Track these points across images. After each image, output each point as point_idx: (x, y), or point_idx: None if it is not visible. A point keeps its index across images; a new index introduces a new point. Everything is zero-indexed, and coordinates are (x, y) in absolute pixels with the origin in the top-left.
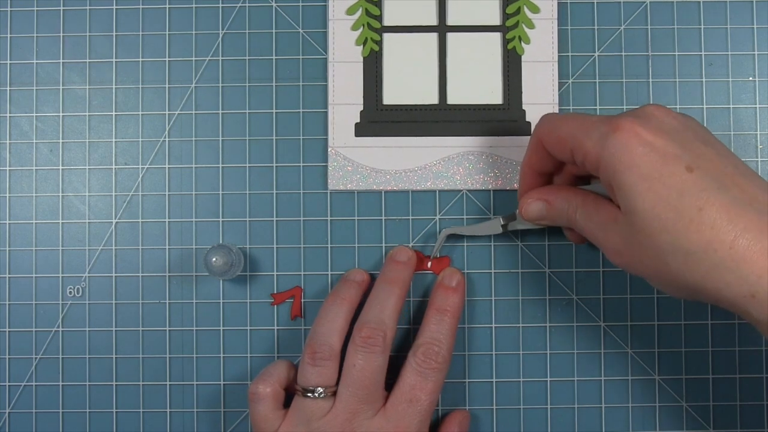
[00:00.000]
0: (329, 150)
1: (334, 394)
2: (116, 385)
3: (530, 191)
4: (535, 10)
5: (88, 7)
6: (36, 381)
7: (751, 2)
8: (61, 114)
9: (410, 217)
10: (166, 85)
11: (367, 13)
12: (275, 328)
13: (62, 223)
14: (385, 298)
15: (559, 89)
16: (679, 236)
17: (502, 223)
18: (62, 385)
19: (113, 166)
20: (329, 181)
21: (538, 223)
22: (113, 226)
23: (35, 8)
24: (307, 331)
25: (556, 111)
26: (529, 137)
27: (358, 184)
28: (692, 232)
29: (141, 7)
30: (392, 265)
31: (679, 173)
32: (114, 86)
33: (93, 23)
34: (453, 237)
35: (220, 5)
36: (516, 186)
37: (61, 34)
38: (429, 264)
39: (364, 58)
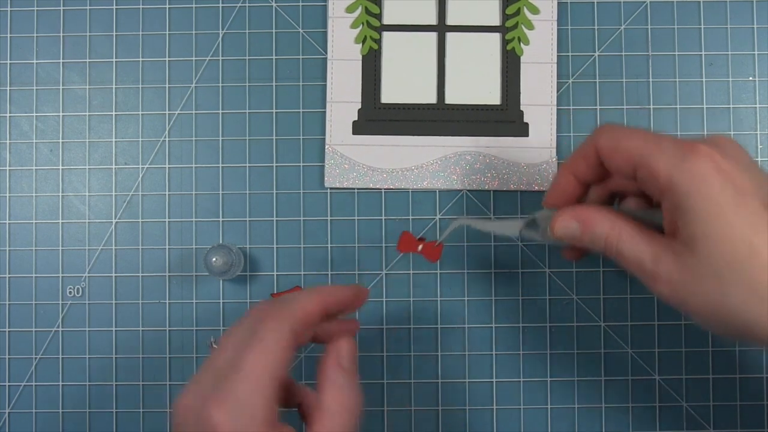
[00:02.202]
0: (326, 147)
1: None
2: (116, 385)
3: (566, 208)
4: (535, 11)
5: (88, 7)
6: (36, 381)
7: (751, 2)
8: (61, 114)
9: (410, 217)
10: (166, 85)
11: (367, 11)
12: None
13: (62, 223)
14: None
15: (559, 89)
16: (748, 271)
17: (522, 227)
18: (62, 385)
19: (113, 166)
20: (326, 178)
21: (564, 242)
22: (113, 226)
23: (35, 8)
24: None
25: (554, 112)
26: (525, 138)
27: (355, 182)
28: (763, 269)
29: (141, 7)
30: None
31: (756, 209)
32: (114, 86)
33: (93, 23)
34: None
35: (220, 5)
36: (513, 187)
37: (61, 34)
38: (420, 248)
39: (362, 56)
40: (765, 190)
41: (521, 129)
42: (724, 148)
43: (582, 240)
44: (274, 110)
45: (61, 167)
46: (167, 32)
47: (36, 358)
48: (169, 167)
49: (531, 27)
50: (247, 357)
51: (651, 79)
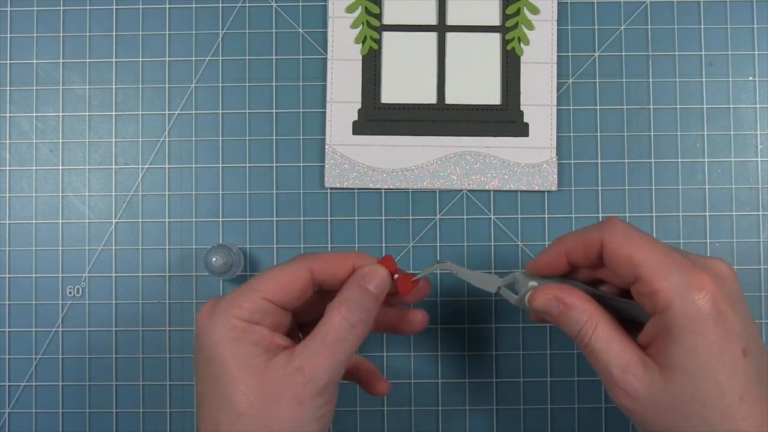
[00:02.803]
0: (326, 147)
1: None
2: (116, 385)
3: (551, 285)
4: (535, 11)
5: (88, 7)
6: (36, 381)
7: (751, 2)
8: (61, 114)
9: (410, 217)
10: (166, 85)
11: (367, 11)
12: None
13: (62, 223)
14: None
15: (559, 89)
16: (714, 415)
17: (501, 285)
18: (62, 385)
19: (113, 166)
20: (326, 178)
21: (540, 316)
22: (113, 226)
23: (35, 8)
24: None
25: (554, 112)
26: (525, 138)
27: (355, 182)
28: (727, 417)
29: (141, 7)
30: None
31: (736, 356)
32: (114, 86)
33: (93, 23)
34: (454, 238)
35: (220, 5)
36: (513, 187)
37: (61, 34)
38: (395, 276)
39: (363, 56)
40: (747, 333)
41: (521, 129)
42: (723, 283)
43: (557, 320)
44: (274, 110)
45: (61, 167)
46: (167, 32)
47: (36, 358)
48: (169, 167)
49: (531, 27)
50: (254, 278)
51: (651, 79)
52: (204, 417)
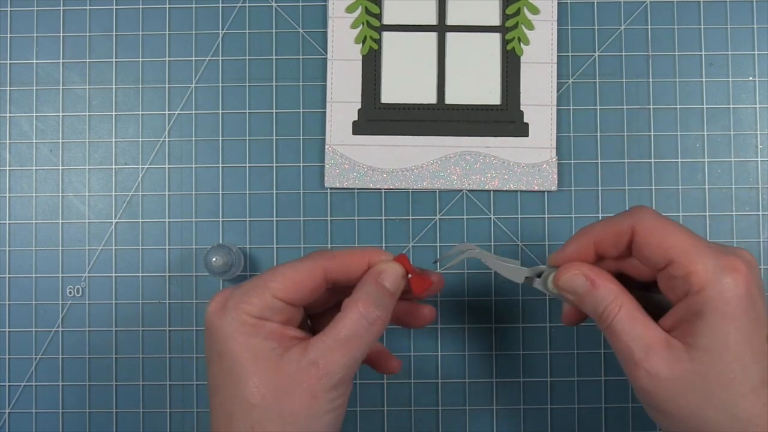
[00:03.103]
0: (326, 147)
1: None
2: (116, 385)
3: (577, 262)
4: (535, 11)
5: (88, 7)
6: (36, 381)
7: (751, 2)
8: (61, 114)
9: (410, 217)
10: (166, 85)
11: (367, 11)
12: None
13: (62, 223)
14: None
15: (559, 89)
16: (736, 398)
17: (527, 275)
18: (62, 385)
19: (113, 166)
20: (326, 178)
21: (565, 297)
22: (113, 226)
23: (35, 8)
24: None
25: (554, 112)
26: (525, 138)
27: (355, 182)
28: (748, 401)
29: (141, 7)
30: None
31: (763, 341)
32: (114, 86)
33: (93, 23)
34: (454, 238)
35: (220, 5)
36: (513, 187)
37: (61, 34)
38: (409, 276)
39: (363, 56)
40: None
41: (521, 129)
42: (753, 270)
43: (583, 299)
44: (274, 110)
45: (61, 167)
46: (167, 32)
47: (36, 358)
48: (169, 167)
49: (531, 27)
50: (267, 273)
51: (651, 79)
52: (216, 409)
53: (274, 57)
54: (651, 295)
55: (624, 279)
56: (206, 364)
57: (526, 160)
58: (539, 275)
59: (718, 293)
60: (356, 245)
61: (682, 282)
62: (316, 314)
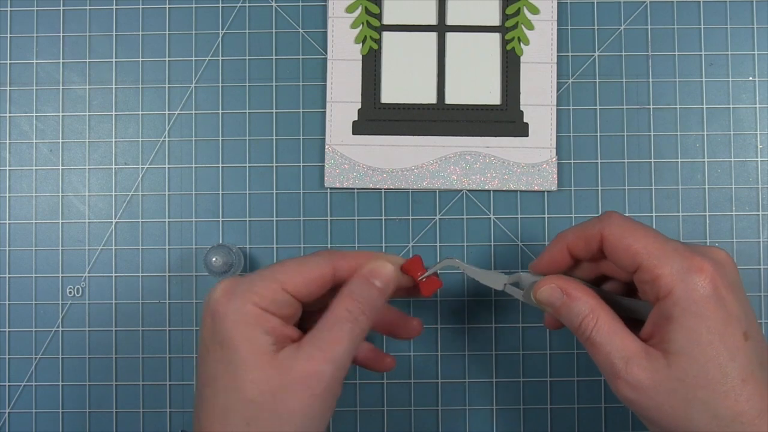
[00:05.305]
0: (326, 147)
1: None
2: (116, 385)
3: (554, 276)
4: (535, 11)
5: (88, 7)
6: (36, 381)
7: (751, 2)
8: (61, 114)
9: (410, 217)
10: (166, 85)
11: (367, 11)
12: None
13: (62, 223)
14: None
15: (558, 89)
16: (717, 397)
17: (507, 282)
18: (62, 385)
19: (113, 166)
20: (326, 178)
21: (546, 310)
22: (113, 226)
23: (35, 8)
24: None
25: (554, 112)
26: (525, 138)
27: (355, 182)
28: (730, 399)
29: (141, 7)
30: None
31: (737, 339)
32: (114, 86)
33: (93, 23)
34: (454, 238)
35: (220, 5)
36: (513, 187)
37: (61, 34)
38: (419, 278)
39: (362, 56)
40: (747, 318)
41: (521, 129)
42: (723, 269)
43: (560, 312)
44: (274, 110)
45: (61, 167)
46: (167, 32)
47: (36, 358)
48: (169, 167)
49: (531, 27)
50: (276, 265)
51: (651, 79)
52: (207, 401)
53: (274, 57)
54: (636, 300)
55: (609, 282)
56: (201, 352)
57: (526, 160)
58: (516, 283)
59: (686, 294)
60: (356, 245)
61: (651, 286)
62: (311, 312)
